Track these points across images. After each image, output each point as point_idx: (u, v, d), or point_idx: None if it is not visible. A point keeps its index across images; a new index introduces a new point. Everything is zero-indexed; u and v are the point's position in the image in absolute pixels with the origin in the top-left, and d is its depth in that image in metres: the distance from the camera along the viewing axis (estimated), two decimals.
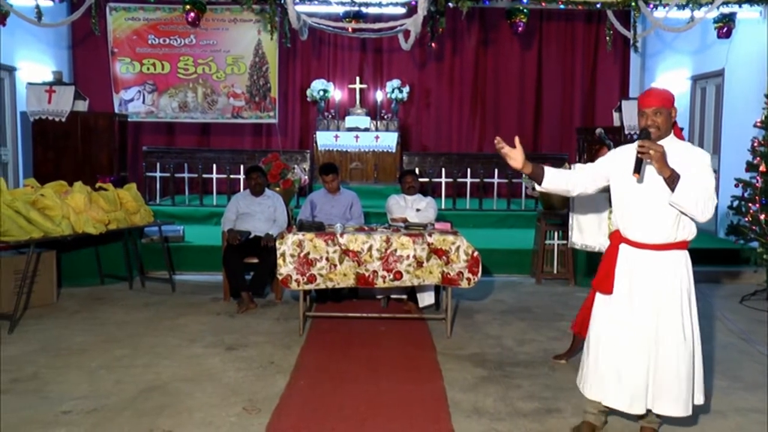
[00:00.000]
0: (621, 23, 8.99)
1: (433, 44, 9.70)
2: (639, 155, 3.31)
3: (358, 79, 12.62)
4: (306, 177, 9.96)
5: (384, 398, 4.30)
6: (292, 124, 13.02)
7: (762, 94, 7.38)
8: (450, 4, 8.24)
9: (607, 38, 9.12)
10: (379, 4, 8.80)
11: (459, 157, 11.10)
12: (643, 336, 3.48)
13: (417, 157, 11.18)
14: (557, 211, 7.72)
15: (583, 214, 4.76)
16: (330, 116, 12.33)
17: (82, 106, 7.90)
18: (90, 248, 7.31)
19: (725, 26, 8.75)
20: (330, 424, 3.89)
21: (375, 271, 5.49)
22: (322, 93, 12.27)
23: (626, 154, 3.50)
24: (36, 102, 7.58)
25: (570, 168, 4.78)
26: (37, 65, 10.61)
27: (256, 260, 6.62)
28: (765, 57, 8.47)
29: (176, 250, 8.02)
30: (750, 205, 7.14)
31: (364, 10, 8.86)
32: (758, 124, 7.22)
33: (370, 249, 5.47)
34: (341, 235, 5.52)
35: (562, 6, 8.52)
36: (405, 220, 6.34)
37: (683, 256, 3.51)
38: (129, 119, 10.70)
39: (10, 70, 10.02)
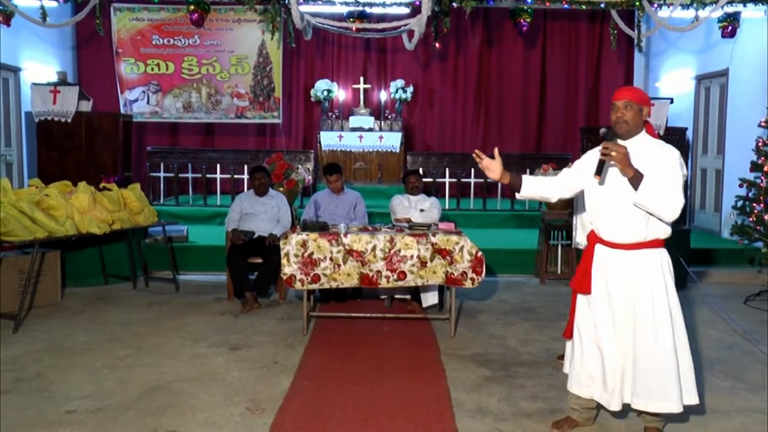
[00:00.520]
0: (625, 23, 8.97)
1: (437, 44, 9.71)
2: (602, 157, 3.36)
3: (362, 79, 12.63)
4: (310, 177, 9.96)
5: (388, 398, 4.30)
6: (296, 124, 13.04)
7: (766, 93, 7.36)
8: (454, 4, 8.24)
9: (611, 38, 9.11)
10: (383, 4, 8.80)
11: (463, 157, 11.09)
12: (621, 333, 3.53)
13: (421, 157, 11.18)
14: (561, 212, 7.71)
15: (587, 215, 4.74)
16: (334, 116, 12.34)
17: (86, 106, 7.90)
18: (94, 248, 7.33)
19: (729, 26, 8.73)
20: (333, 423, 3.89)
21: (379, 271, 5.49)
22: (326, 93, 12.28)
23: (597, 156, 3.51)
24: (41, 103, 7.60)
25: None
26: (41, 66, 10.64)
27: (260, 260, 6.62)
28: None
29: (180, 250, 8.03)
30: (754, 205, 7.12)
31: (367, 10, 8.86)
32: (763, 124, 7.21)
33: (373, 249, 5.47)
34: (345, 235, 5.52)
35: (566, 6, 8.50)
36: (409, 220, 6.34)
37: (657, 255, 3.54)
38: (133, 119, 10.72)
39: (15, 70, 10.05)
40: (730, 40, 8.98)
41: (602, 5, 8.48)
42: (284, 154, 9.11)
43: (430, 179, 10.41)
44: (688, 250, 7.90)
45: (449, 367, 4.91)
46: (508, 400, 4.30)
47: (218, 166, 10.66)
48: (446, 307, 6.19)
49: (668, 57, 11.79)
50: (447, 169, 10.64)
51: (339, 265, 5.50)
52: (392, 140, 11.86)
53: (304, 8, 8.43)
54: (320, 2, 8.78)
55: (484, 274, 5.53)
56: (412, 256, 5.48)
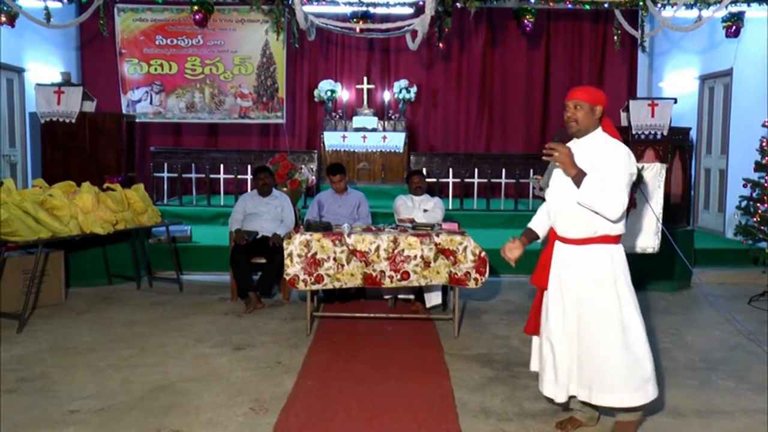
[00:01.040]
0: (628, 23, 8.96)
1: (440, 44, 9.68)
2: (545, 158, 3.46)
3: (365, 79, 12.63)
4: (313, 177, 9.96)
5: (391, 398, 4.30)
6: (299, 125, 13.04)
7: None
8: (458, 4, 8.23)
9: (615, 38, 9.09)
10: (387, 5, 8.79)
11: (466, 157, 11.09)
12: (570, 327, 3.61)
13: (424, 157, 11.17)
14: None
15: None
16: (337, 116, 12.34)
17: (90, 106, 7.90)
18: (98, 248, 7.34)
19: (733, 25, 8.70)
20: (337, 423, 3.90)
21: (382, 272, 5.49)
22: (329, 93, 12.29)
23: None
24: (45, 103, 7.60)
25: None
26: (45, 66, 10.67)
27: (263, 260, 6.63)
28: None
29: (184, 250, 8.04)
30: (758, 205, 7.11)
31: (371, 10, 8.86)
32: (766, 124, 7.19)
33: (377, 249, 5.47)
34: (348, 235, 5.52)
35: (569, 6, 8.49)
36: (412, 221, 6.34)
37: (607, 250, 3.56)
38: (137, 120, 10.74)
39: (19, 71, 10.07)
40: (734, 39, 8.96)
41: (606, 5, 8.46)
42: (288, 155, 9.11)
43: (434, 179, 10.40)
44: (692, 251, 7.90)
45: (453, 367, 4.91)
46: (512, 400, 4.30)
47: (222, 166, 10.67)
48: (450, 307, 6.19)
49: (672, 57, 11.77)
50: (450, 170, 10.63)
51: (342, 265, 5.50)
52: (396, 140, 11.86)
53: (307, 8, 8.42)
54: (324, 2, 8.78)
55: (487, 274, 5.53)
56: (415, 257, 5.48)
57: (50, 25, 8.69)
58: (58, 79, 9.96)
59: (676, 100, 7.84)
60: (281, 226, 6.82)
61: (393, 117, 12.39)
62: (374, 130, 12.01)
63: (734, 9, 8.48)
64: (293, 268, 5.51)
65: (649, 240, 4.64)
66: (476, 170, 10.55)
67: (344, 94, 12.80)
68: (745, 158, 8.10)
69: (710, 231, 10.10)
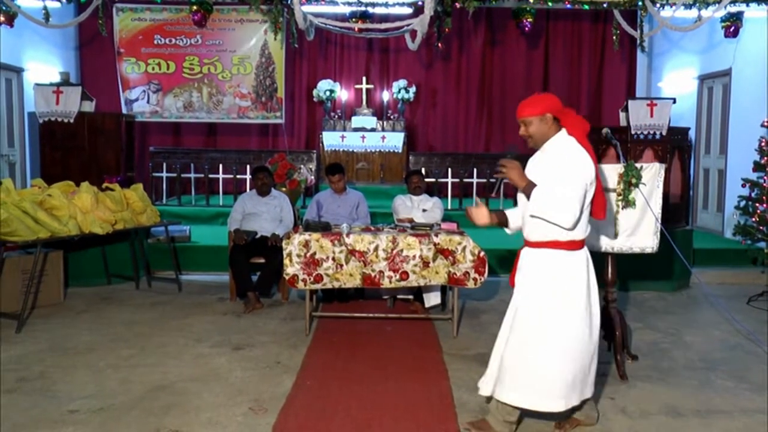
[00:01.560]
0: (628, 23, 8.97)
1: (439, 44, 9.70)
2: (496, 175, 3.58)
3: (364, 79, 12.64)
4: (312, 177, 9.98)
5: (390, 398, 4.30)
6: (298, 125, 13.05)
7: None
8: (457, 4, 8.23)
9: (614, 38, 9.11)
10: (386, 4, 8.80)
11: (465, 157, 11.09)
12: (512, 325, 3.67)
13: (423, 157, 11.18)
14: None
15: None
16: (336, 116, 12.34)
17: (89, 106, 7.89)
18: (97, 248, 7.34)
19: (732, 25, 8.72)
20: (336, 423, 3.90)
21: (381, 272, 5.49)
22: (328, 93, 12.29)
23: (530, 163, 3.69)
24: (44, 103, 7.59)
25: None
26: (44, 66, 10.66)
27: (262, 260, 6.62)
28: None
29: (183, 250, 8.03)
30: (757, 205, 7.11)
31: (370, 10, 8.86)
32: (765, 124, 7.20)
33: (376, 249, 5.47)
34: (347, 235, 5.52)
35: (568, 6, 8.50)
36: (411, 221, 6.34)
37: (560, 256, 3.56)
38: (135, 119, 10.74)
39: (18, 71, 10.07)
40: (732, 39, 8.97)
41: (605, 5, 8.47)
42: (287, 155, 9.12)
43: (433, 179, 10.41)
44: (691, 251, 7.91)
45: (452, 367, 4.91)
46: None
47: (221, 166, 10.67)
48: (449, 307, 6.18)
49: (671, 57, 11.78)
50: (449, 169, 10.64)
51: (341, 265, 5.50)
52: (395, 140, 11.86)
53: (306, 8, 8.43)
54: (323, 2, 8.78)
55: (486, 274, 5.53)
56: (414, 257, 5.48)
57: (49, 25, 8.69)
58: (56, 78, 9.97)
59: (675, 100, 7.85)
60: (280, 226, 6.81)
61: (392, 117, 12.39)
62: (373, 130, 12.01)
63: (733, 9, 8.49)
64: (292, 267, 5.51)
65: (647, 240, 4.63)
66: (475, 170, 10.55)
67: (343, 94, 12.80)
68: (743, 158, 8.10)
69: (709, 231, 10.11)
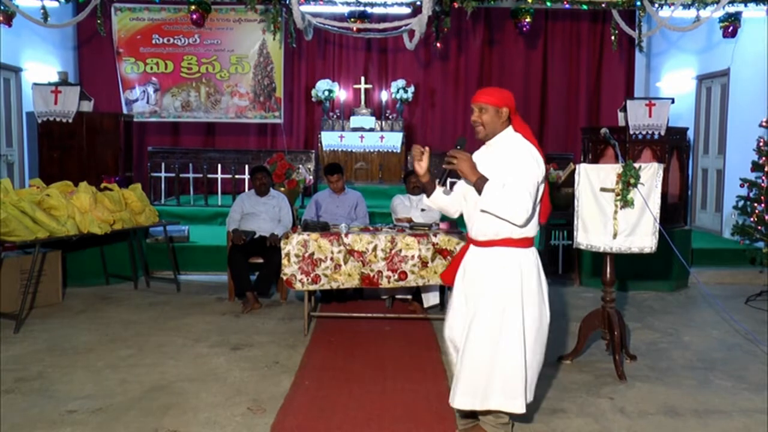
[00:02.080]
0: (626, 23, 8.96)
1: (438, 44, 9.70)
2: (445, 166, 3.43)
3: (363, 79, 12.63)
4: (311, 177, 9.96)
5: (389, 398, 4.30)
6: (297, 124, 13.05)
7: (767, 93, 7.36)
8: (455, 4, 8.23)
9: (612, 38, 9.10)
10: (384, 4, 8.79)
11: None
12: (462, 327, 3.56)
13: None
14: (562, 212, 7.71)
15: (589, 214, 4.75)
16: (335, 116, 12.34)
17: (87, 106, 7.89)
18: (95, 248, 7.33)
19: (731, 25, 8.71)
20: (335, 424, 3.89)
21: (380, 272, 5.49)
22: (327, 93, 12.28)
23: (474, 157, 3.54)
24: (43, 103, 7.59)
25: (575, 169, 4.76)
26: (42, 66, 10.65)
27: (260, 260, 6.62)
28: None
29: (181, 250, 8.03)
30: (755, 205, 7.12)
31: (368, 10, 8.85)
32: (764, 124, 7.20)
33: (374, 249, 5.47)
34: (346, 235, 5.52)
35: (567, 6, 8.50)
36: (410, 220, 6.34)
37: (512, 254, 3.48)
38: (134, 119, 10.74)
39: (16, 70, 10.06)
40: (731, 40, 8.97)
41: (603, 5, 8.47)
42: (285, 154, 9.11)
43: None
44: (690, 251, 7.91)
45: (451, 367, 4.90)
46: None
47: (219, 166, 10.66)
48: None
49: (669, 57, 11.78)
50: None
51: (340, 266, 5.50)
52: (393, 140, 11.86)
53: (305, 8, 8.42)
54: (321, 2, 8.77)
55: None
56: (413, 256, 5.48)
57: (47, 25, 8.68)
58: (55, 78, 9.96)
59: (673, 100, 7.85)
60: (279, 226, 6.81)
61: (390, 117, 12.39)
62: (372, 129, 12.00)
63: (731, 9, 8.49)
64: (291, 268, 5.50)
65: (646, 240, 4.63)
66: None
67: (342, 94, 12.80)
68: (742, 158, 8.11)
69: (707, 231, 10.11)
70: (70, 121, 7.69)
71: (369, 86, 12.69)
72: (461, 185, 3.69)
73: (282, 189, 8.13)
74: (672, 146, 7.79)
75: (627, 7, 8.56)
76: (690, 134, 10.10)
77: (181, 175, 10.63)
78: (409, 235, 5.56)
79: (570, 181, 4.86)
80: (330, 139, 11.90)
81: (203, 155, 10.94)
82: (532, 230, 3.50)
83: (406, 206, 6.81)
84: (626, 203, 4.55)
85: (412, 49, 9.34)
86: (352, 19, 8.90)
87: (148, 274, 7.60)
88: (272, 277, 6.60)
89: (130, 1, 11.19)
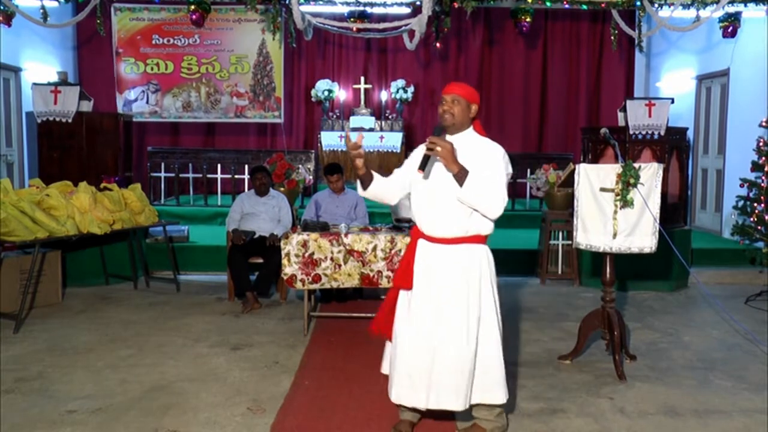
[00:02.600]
0: (626, 23, 8.97)
1: (437, 44, 9.70)
2: (427, 152, 3.34)
3: (362, 79, 12.62)
4: (310, 177, 9.96)
5: (388, 398, 4.28)
6: (296, 124, 13.04)
7: (767, 93, 7.36)
8: (455, 4, 8.23)
9: (612, 38, 9.11)
10: (384, 4, 8.79)
11: None
12: (429, 328, 3.49)
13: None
14: (562, 212, 7.71)
15: (588, 214, 4.75)
16: (335, 116, 12.33)
17: (87, 106, 7.89)
18: (95, 248, 7.33)
19: (730, 25, 8.72)
20: (335, 423, 3.89)
21: (379, 271, 5.49)
22: (326, 93, 12.27)
23: (423, 151, 3.45)
24: (42, 103, 7.59)
25: (574, 169, 4.76)
26: (42, 66, 10.65)
27: (260, 260, 6.62)
28: None
29: (181, 250, 8.03)
30: (755, 205, 7.12)
31: (368, 10, 8.85)
32: (763, 124, 7.20)
33: (374, 249, 5.47)
34: (346, 235, 5.52)
35: (567, 5, 8.49)
36: (410, 220, 6.33)
37: (478, 250, 3.51)
38: (133, 119, 10.73)
39: (16, 70, 10.05)
40: (731, 40, 8.98)
41: (603, 5, 8.47)
42: (285, 154, 9.11)
43: None
44: (690, 251, 7.91)
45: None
46: (509, 400, 4.29)
47: (219, 166, 10.66)
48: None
49: (669, 57, 11.78)
50: None
51: (340, 265, 5.50)
52: (393, 140, 11.85)
53: (305, 8, 8.42)
54: (321, 2, 8.77)
55: None
56: None
57: (47, 25, 8.68)
58: (54, 78, 9.96)
59: (673, 100, 7.85)
60: (278, 226, 6.81)
61: (390, 117, 12.38)
62: (371, 129, 11.99)
63: (731, 9, 8.50)
64: (290, 267, 5.51)
65: (646, 240, 4.63)
66: None
67: (341, 94, 12.79)
68: (742, 158, 8.11)
69: (707, 231, 10.11)
70: (70, 121, 7.68)
71: (369, 86, 12.68)
72: (403, 173, 3.69)
73: (282, 189, 8.13)
74: (672, 146, 7.79)
75: (627, 7, 8.56)
76: (690, 134, 10.10)
77: (180, 175, 10.63)
78: (408, 235, 5.54)
79: (570, 181, 4.85)
80: (330, 139, 11.89)
81: (203, 155, 10.93)
82: (493, 226, 3.54)
83: (406, 206, 6.78)
84: (626, 203, 4.55)
85: (412, 49, 9.34)
86: (352, 19, 8.90)
87: (148, 274, 7.60)
88: (272, 277, 6.61)
89: (129, 1, 11.19)
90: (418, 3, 8.37)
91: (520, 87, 12.95)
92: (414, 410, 3.74)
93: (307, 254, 5.50)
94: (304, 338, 5.59)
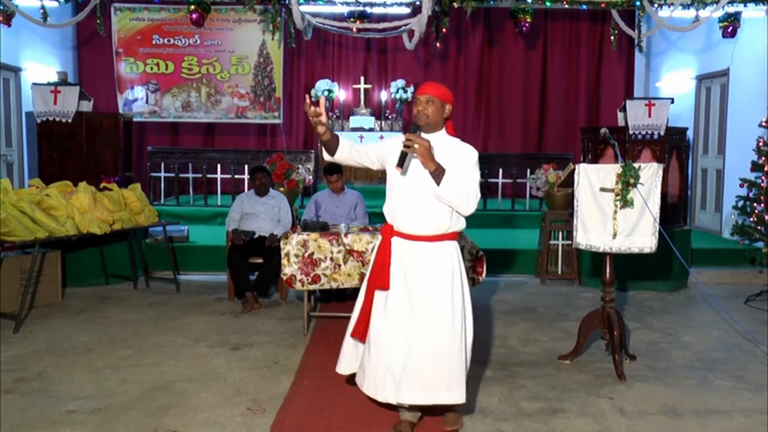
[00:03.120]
0: (626, 23, 8.97)
1: (437, 44, 9.69)
2: (404, 149, 3.37)
3: (362, 79, 12.64)
4: (310, 177, 9.95)
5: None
6: (296, 124, 13.04)
7: (767, 93, 7.36)
8: (455, 4, 8.23)
9: (612, 38, 9.10)
10: (384, 4, 8.78)
11: None
12: (404, 327, 3.53)
13: None
14: (562, 212, 7.71)
15: (588, 214, 4.74)
16: (334, 116, 12.34)
17: (87, 106, 7.89)
18: (95, 248, 7.33)
19: (730, 25, 8.72)
20: (334, 423, 3.89)
21: None
22: (326, 93, 12.27)
23: (401, 145, 3.42)
24: (42, 103, 7.59)
25: (574, 169, 4.77)
26: (42, 66, 10.65)
27: (260, 260, 6.62)
28: None
29: (181, 250, 8.03)
30: (755, 205, 7.12)
31: (368, 10, 8.85)
32: (763, 124, 7.20)
33: (374, 249, 5.46)
34: (345, 235, 5.52)
35: (566, 6, 8.49)
36: None
37: (453, 247, 3.59)
38: (133, 119, 10.73)
39: (16, 70, 10.05)
40: (730, 40, 8.98)
41: (603, 5, 8.47)
42: (285, 154, 9.10)
43: None
44: (689, 251, 7.91)
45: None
46: (509, 400, 4.30)
47: (219, 166, 10.66)
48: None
49: (669, 57, 11.78)
50: None
51: (339, 266, 5.50)
52: None
53: (304, 8, 8.42)
54: (321, 2, 8.77)
55: (485, 274, 5.52)
56: None
57: (47, 25, 8.68)
58: (54, 78, 9.96)
59: (673, 100, 7.85)
60: (278, 226, 6.81)
61: (390, 117, 12.39)
62: (371, 129, 12.01)
63: (731, 9, 8.49)
64: (290, 268, 5.50)
65: (646, 240, 4.63)
66: None
67: (341, 94, 12.79)
68: (741, 158, 8.11)
69: (707, 231, 10.11)
70: (70, 121, 7.69)
71: (368, 86, 12.69)
72: (380, 149, 3.67)
73: (281, 189, 8.12)
74: (672, 146, 7.80)
75: (626, 7, 8.55)
76: (690, 134, 10.11)
77: (180, 175, 10.63)
78: None
79: (569, 181, 4.86)
80: None
81: (203, 155, 10.93)
82: (464, 222, 3.63)
83: None
84: (626, 203, 4.55)
85: (412, 49, 9.34)
86: (352, 19, 8.90)
87: (148, 274, 7.59)
88: (272, 277, 6.61)
89: (129, 1, 11.19)
90: (417, 3, 8.37)
91: (519, 87, 12.95)
92: (414, 410, 3.75)
93: (306, 254, 5.49)
94: (304, 338, 5.59)
